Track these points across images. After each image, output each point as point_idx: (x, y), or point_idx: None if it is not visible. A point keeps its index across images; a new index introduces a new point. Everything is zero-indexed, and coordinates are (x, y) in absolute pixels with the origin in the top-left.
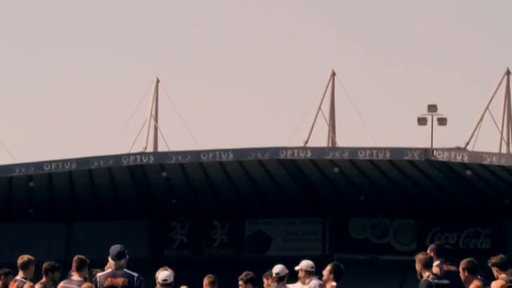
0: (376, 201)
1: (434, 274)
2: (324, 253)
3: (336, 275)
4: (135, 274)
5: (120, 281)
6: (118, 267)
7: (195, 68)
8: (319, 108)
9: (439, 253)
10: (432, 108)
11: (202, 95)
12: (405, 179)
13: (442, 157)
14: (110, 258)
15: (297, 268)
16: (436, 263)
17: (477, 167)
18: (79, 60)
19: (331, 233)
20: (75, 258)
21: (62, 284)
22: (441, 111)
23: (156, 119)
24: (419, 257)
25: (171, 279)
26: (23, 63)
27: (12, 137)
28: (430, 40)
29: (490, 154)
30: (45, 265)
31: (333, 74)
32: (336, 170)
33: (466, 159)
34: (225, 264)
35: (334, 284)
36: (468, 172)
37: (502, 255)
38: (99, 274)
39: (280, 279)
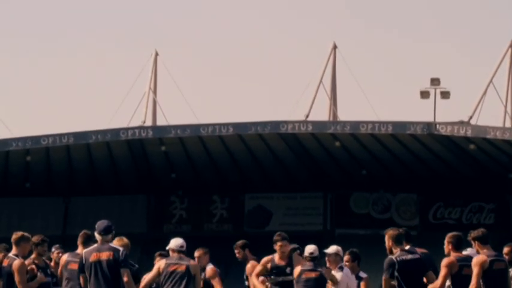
0: (378, 176)
1: (404, 250)
2: (325, 228)
3: (358, 262)
4: (121, 248)
5: (105, 255)
6: (104, 242)
7: (195, 41)
8: (321, 81)
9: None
10: (435, 81)
11: (201, 68)
12: (407, 153)
13: (445, 131)
14: (96, 233)
15: (327, 251)
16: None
17: (480, 141)
18: (77, 34)
19: (333, 207)
20: (81, 233)
21: (65, 256)
22: (444, 85)
23: (154, 93)
24: (389, 233)
25: (185, 246)
26: (19, 37)
27: (9, 110)
28: (432, 12)
29: (493, 128)
30: (33, 239)
31: (334, 47)
32: (337, 144)
33: (469, 133)
34: (225, 240)
35: (365, 275)
36: (471, 146)
37: (482, 229)
38: (85, 250)
39: (313, 259)
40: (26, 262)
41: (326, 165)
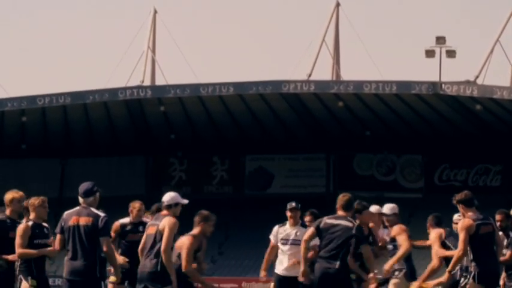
0: (382, 137)
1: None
2: (327, 190)
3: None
4: (102, 214)
5: (84, 220)
6: (86, 205)
7: None
8: (323, 40)
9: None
10: (440, 40)
11: (201, 26)
12: (412, 114)
13: (450, 91)
14: (79, 196)
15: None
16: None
17: (487, 101)
18: None
19: (336, 169)
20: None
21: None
22: (450, 43)
23: (153, 52)
24: (339, 197)
25: (168, 201)
26: None
27: (4, 70)
28: None
29: (500, 88)
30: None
31: (337, 5)
32: (340, 104)
33: (475, 93)
34: (225, 202)
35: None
36: (478, 106)
37: (467, 192)
38: (66, 212)
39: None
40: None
41: (329, 126)
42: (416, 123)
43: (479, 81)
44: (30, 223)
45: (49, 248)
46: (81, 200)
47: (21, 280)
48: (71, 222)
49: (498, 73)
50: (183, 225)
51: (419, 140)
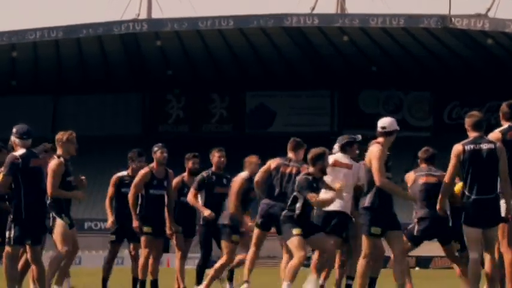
0: (389, 73)
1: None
2: (332, 129)
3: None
4: (18, 154)
5: (43, 162)
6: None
7: None
8: None
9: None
10: None
11: None
12: (421, 49)
13: (460, 24)
14: (16, 137)
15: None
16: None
17: (499, 35)
18: None
19: (340, 107)
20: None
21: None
22: None
23: None
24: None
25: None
26: None
27: None
28: None
29: None
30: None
31: None
32: (345, 38)
33: (486, 27)
34: (225, 141)
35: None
36: (489, 41)
37: (429, 148)
38: (20, 153)
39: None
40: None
41: (333, 61)
42: (425, 59)
43: (490, 14)
44: (62, 159)
45: (80, 192)
46: (20, 141)
47: (54, 218)
48: (33, 164)
49: (511, 6)
50: (180, 164)
51: (428, 77)
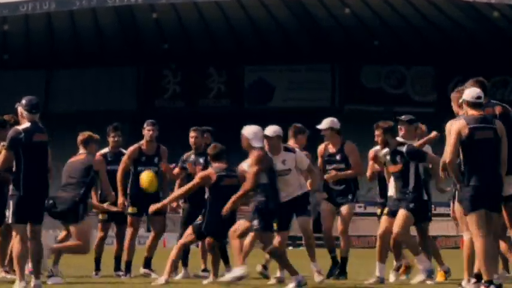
0: (392, 47)
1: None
2: (332, 104)
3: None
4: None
5: (45, 136)
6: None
7: None
8: None
9: None
10: None
11: None
12: (424, 22)
13: None
14: (24, 109)
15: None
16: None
17: (505, 8)
18: None
19: (341, 81)
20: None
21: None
22: None
23: None
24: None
25: None
26: None
27: None
28: None
29: None
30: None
31: None
32: (346, 11)
33: None
34: (223, 117)
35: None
36: (495, 13)
37: (390, 122)
38: (23, 127)
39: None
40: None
41: (334, 34)
42: (429, 32)
43: None
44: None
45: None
46: (29, 115)
47: (85, 211)
48: (36, 139)
49: None
50: (177, 140)
51: (432, 51)
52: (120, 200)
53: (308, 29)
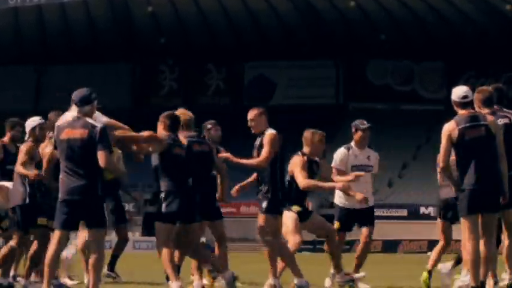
0: (399, 41)
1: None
2: (337, 102)
3: None
4: (99, 125)
5: (78, 132)
6: (81, 115)
7: None
8: None
9: None
10: None
11: None
12: (433, 14)
13: None
14: (73, 105)
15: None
16: None
17: None
18: None
19: (346, 78)
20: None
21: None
22: None
23: None
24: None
25: None
26: None
27: None
28: None
29: None
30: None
31: None
32: (351, 4)
33: None
34: (222, 115)
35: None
36: (507, 6)
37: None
38: (58, 123)
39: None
40: None
41: (338, 28)
42: (437, 25)
43: None
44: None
45: None
46: (75, 108)
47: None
48: (64, 136)
49: None
50: None
51: (441, 45)
52: None
53: (311, 23)
